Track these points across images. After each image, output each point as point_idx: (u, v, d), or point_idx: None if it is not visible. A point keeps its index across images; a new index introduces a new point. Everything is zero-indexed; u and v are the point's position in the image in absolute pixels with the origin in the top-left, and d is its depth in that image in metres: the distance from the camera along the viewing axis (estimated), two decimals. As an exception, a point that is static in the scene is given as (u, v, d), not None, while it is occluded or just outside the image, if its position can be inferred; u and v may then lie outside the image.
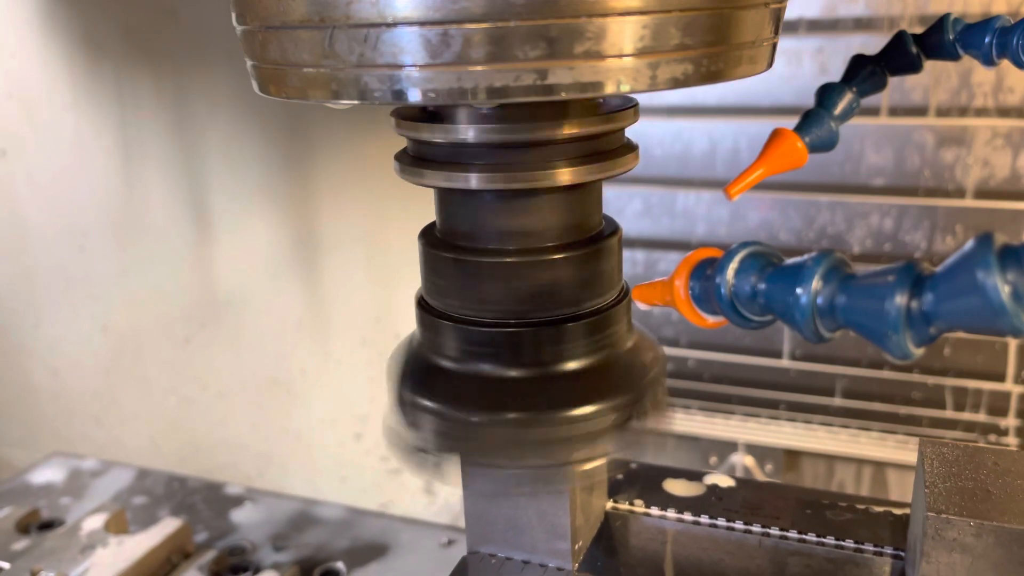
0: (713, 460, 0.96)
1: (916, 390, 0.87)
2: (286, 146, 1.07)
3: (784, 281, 0.24)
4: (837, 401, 0.90)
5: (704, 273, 0.28)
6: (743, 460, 0.95)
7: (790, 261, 0.25)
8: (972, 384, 0.85)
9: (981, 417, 0.85)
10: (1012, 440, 0.85)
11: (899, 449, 0.89)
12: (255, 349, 1.19)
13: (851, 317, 0.22)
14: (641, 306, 0.32)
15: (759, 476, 0.95)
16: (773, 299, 0.25)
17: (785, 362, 0.90)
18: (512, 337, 0.35)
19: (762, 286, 0.25)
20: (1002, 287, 0.19)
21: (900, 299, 0.21)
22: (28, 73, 1.16)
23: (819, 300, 0.23)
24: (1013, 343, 0.82)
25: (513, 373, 0.35)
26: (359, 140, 1.03)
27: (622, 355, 0.37)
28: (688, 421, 0.95)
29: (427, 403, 0.36)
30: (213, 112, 1.08)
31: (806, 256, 0.24)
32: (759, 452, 0.94)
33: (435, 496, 1.16)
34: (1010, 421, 0.85)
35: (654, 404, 0.37)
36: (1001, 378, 0.84)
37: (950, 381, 0.85)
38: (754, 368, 0.92)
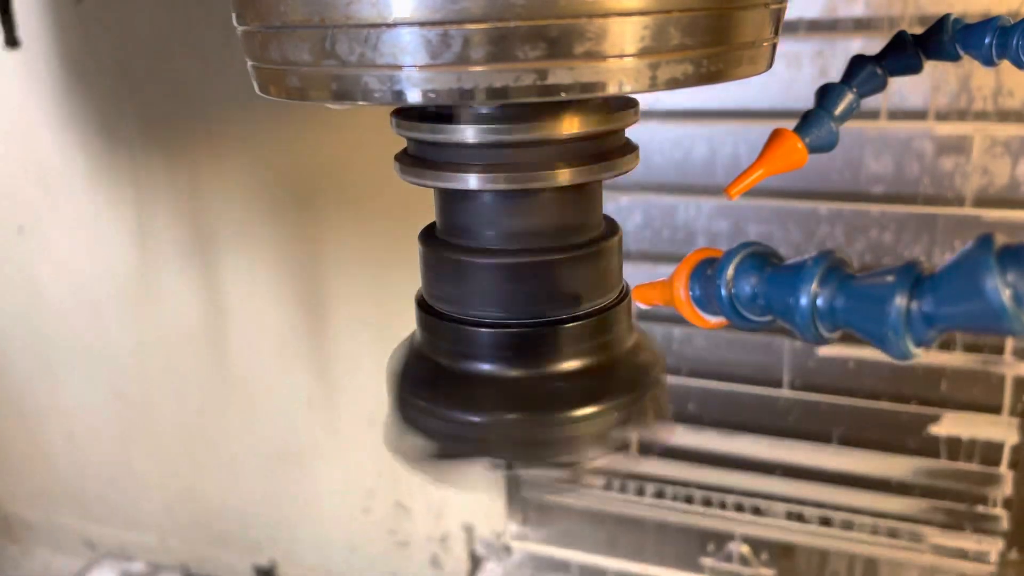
0: (711, 547, 0.99)
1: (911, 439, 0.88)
2: (298, 232, 1.11)
3: (784, 282, 0.24)
4: (832, 461, 0.91)
5: (704, 273, 0.28)
6: (740, 549, 0.97)
7: (790, 261, 0.25)
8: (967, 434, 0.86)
9: (974, 466, 0.86)
10: (998, 542, 0.85)
11: (889, 547, 0.91)
12: (266, 422, 1.24)
13: (851, 318, 0.22)
14: (642, 306, 0.32)
15: (755, 565, 0.97)
16: (773, 300, 0.25)
17: (784, 392, 0.90)
18: (511, 338, 0.35)
19: (762, 287, 0.25)
20: (1002, 288, 0.19)
21: (900, 300, 0.21)
22: (45, 155, 1.20)
23: (819, 301, 0.23)
24: (1009, 387, 0.83)
25: (512, 373, 0.35)
26: (370, 224, 1.07)
27: (622, 355, 0.37)
28: (687, 513, 0.98)
29: (426, 404, 0.36)
30: (227, 197, 1.12)
31: (806, 256, 0.24)
32: (755, 542, 0.96)
33: (441, 568, 1.19)
34: (999, 511, 0.86)
35: (654, 405, 0.37)
36: (997, 410, 0.84)
37: (945, 465, 0.86)
38: (753, 406, 0.92)
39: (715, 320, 0.29)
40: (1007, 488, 0.86)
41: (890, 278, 0.21)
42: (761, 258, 0.26)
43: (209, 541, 1.34)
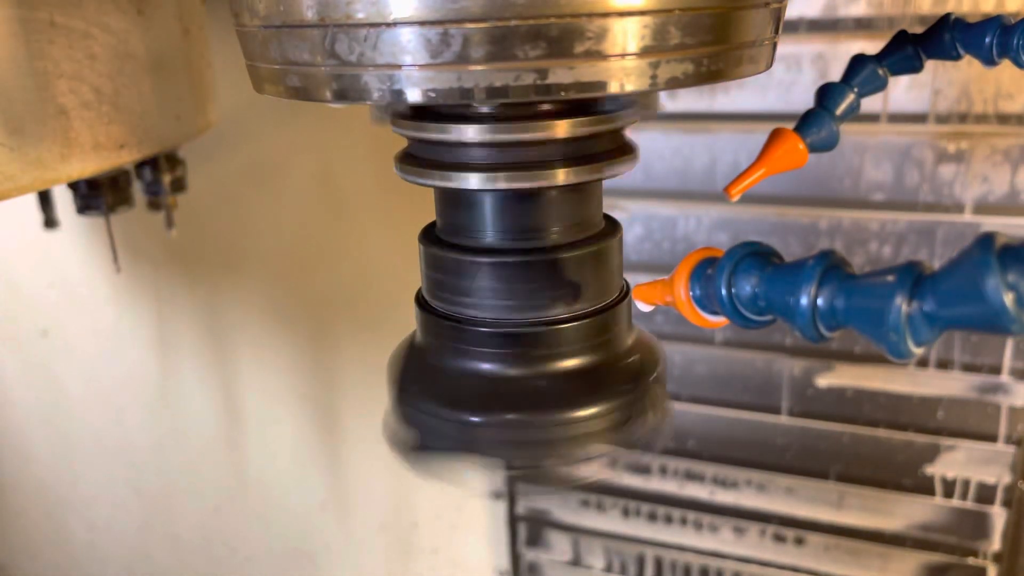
0: None
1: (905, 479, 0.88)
2: (313, 347, 1.16)
3: (784, 282, 0.24)
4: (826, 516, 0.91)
5: (704, 273, 0.28)
6: None
7: (791, 261, 0.25)
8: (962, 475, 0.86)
9: (968, 504, 0.86)
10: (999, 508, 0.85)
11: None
12: (281, 523, 1.28)
13: (852, 318, 0.22)
14: (642, 306, 0.32)
15: None
16: (773, 300, 0.25)
17: (781, 419, 0.90)
18: (512, 337, 0.35)
19: (762, 287, 0.25)
20: (1003, 288, 0.19)
21: (900, 300, 0.21)
22: (69, 269, 1.24)
23: (819, 301, 0.23)
24: (1004, 416, 0.83)
25: (513, 372, 0.35)
26: (383, 346, 1.07)
27: (622, 354, 0.37)
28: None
29: (426, 403, 0.36)
30: (246, 316, 1.16)
31: (807, 256, 0.24)
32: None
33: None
34: (995, 510, 0.86)
35: (653, 404, 0.37)
36: (993, 438, 0.84)
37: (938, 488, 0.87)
38: (753, 424, 0.92)
39: (715, 319, 0.29)
40: (996, 543, 0.86)
41: (890, 278, 0.21)
42: (761, 258, 0.26)
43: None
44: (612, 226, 0.38)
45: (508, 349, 0.35)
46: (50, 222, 0.88)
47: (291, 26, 0.28)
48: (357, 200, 1.04)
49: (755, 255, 0.26)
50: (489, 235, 0.35)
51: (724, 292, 0.26)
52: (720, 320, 0.28)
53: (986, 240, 0.19)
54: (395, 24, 0.26)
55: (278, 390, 1.19)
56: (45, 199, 0.86)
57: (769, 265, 0.25)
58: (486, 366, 0.36)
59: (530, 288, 0.35)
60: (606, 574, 1.03)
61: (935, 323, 0.21)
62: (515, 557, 1.07)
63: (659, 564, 1.00)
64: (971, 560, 0.88)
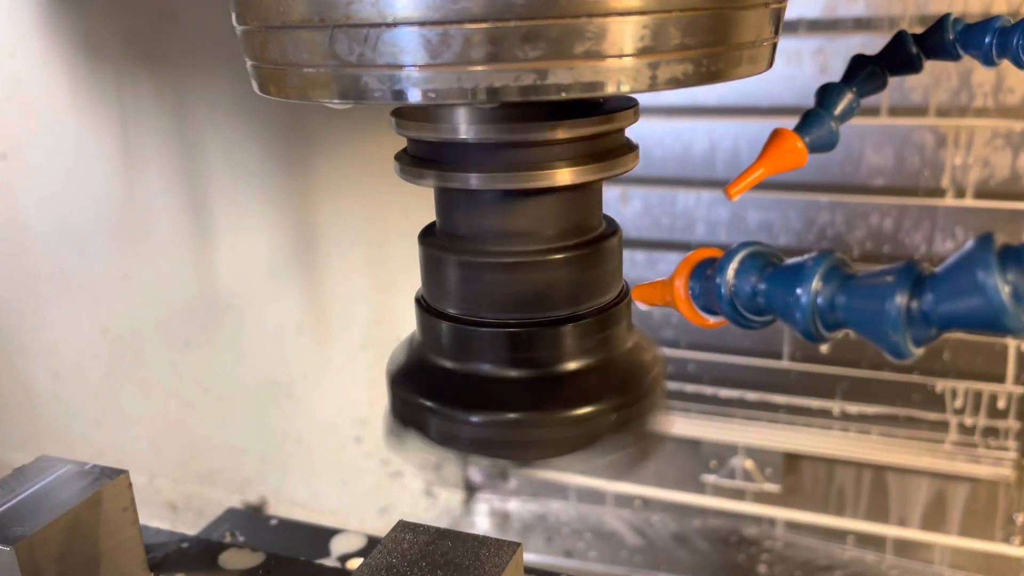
0: (713, 464, 0.96)
1: (916, 392, 0.87)
2: (286, 149, 1.07)
3: (784, 281, 0.24)
4: (837, 406, 0.90)
5: (704, 273, 0.28)
6: (743, 464, 0.95)
7: (790, 261, 0.25)
8: (973, 386, 0.85)
9: (981, 420, 0.85)
10: (1010, 443, 0.85)
11: (900, 453, 0.89)
12: (255, 352, 1.19)
13: (851, 317, 0.22)
14: (641, 306, 0.32)
15: (759, 480, 0.95)
16: (773, 299, 0.25)
17: (785, 363, 0.90)
18: (512, 337, 0.35)
19: (762, 286, 0.25)
20: (1002, 287, 0.19)
21: (900, 299, 0.21)
22: (28, 76, 1.16)
23: (819, 300, 0.23)
24: (1012, 346, 0.82)
25: (513, 373, 0.35)
26: (359, 143, 1.03)
27: (622, 356, 0.37)
28: (688, 424, 0.95)
29: (427, 403, 0.36)
30: (214, 116, 1.08)
31: (806, 256, 0.24)
32: (759, 456, 0.94)
33: (435, 499, 1.17)
34: (1010, 423, 0.85)
35: (653, 405, 0.37)
36: (1001, 379, 0.83)
37: (950, 383, 0.85)
38: (754, 370, 0.92)
39: (715, 320, 0.29)
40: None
41: (890, 277, 0.21)
42: (761, 257, 0.26)
43: (197, 480, 1.30)
44: (611, 227, 0.38)
45: (508, 350, 0.35)
46: None
47: (291, 26, 0.28)
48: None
49: (755, 255, 0.26)
50: (489, 236, 0.35)
51: (724, 292, 0.26)
52: (719, 320, 0.28)
53: (985, 239, 0.19)
54: (395, 24, 0.26)
55: (251, 198, 1.10)
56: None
57: (769, 265, 0.25)
58: (485, 367, 0.36)
59: (529, 289, 0.35)
60: None
61: (935, 322, 0.21)
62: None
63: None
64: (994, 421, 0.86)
